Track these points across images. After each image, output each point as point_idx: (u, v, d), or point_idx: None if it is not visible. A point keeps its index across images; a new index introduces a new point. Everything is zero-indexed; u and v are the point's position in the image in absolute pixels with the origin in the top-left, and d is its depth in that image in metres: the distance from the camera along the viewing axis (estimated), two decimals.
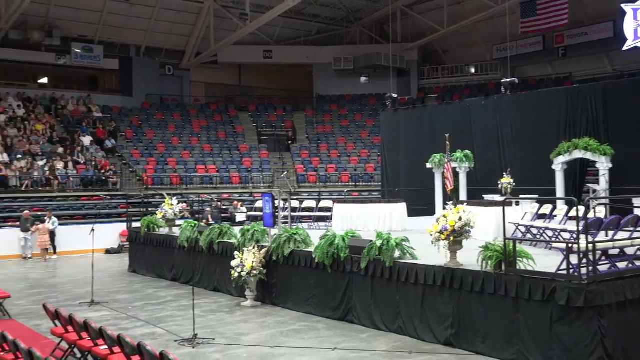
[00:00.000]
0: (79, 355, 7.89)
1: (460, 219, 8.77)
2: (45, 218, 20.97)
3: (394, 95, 25.44)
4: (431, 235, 9.03)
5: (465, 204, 10.98)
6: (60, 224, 21.31)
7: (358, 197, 26.11)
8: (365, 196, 27.00)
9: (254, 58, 36.72)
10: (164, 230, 16.37)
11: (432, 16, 33.92)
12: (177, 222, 16.17)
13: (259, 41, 36.10)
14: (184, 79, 36.72)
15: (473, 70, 36.48)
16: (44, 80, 35.25)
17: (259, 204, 18.20)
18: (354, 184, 30.13)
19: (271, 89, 39.36)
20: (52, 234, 20.90)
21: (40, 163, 25.51)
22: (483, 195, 16.63)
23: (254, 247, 12.08)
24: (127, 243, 19.51)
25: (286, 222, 13.63)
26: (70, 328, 7.98)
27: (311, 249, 11.38)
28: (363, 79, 37.62)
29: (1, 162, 24.82)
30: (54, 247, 21.06)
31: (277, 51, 36.75)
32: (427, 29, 34.71)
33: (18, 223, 20.96)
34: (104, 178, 26.44)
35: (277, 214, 13.07)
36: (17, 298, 13.03)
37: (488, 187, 17.09)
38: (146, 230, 16.68)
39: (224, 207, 24.21)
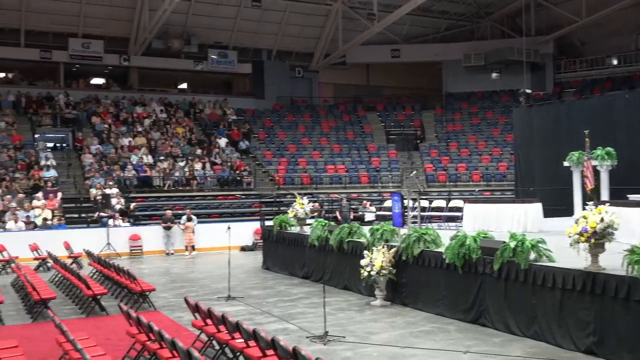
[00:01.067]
0: (217, 347, 8.26)
1: (602, 220, 8.25)
2: (186, 216, 21.95)
3: (528, 91, 24.50)
4: (570, 237, 8.57)
5: (608, 204, 10.33)
6: (198, 222, 22.39)
7: (490, 197, 25.35)
8: (497, 196, 26.18)
9: (382, 57, 36.74)
10: (295, 229, 16.75)
11: (569, 6, 32.25)
12: (308, 221, 16.50)
13: (386, 40, 36.06)
14: (313, 80, 37.45)
15: (615, 62, 34.26)
16: (184, 85, 37.35)
17: (387, 203, 18.17)
18: (485, 183, 29.31)
19: (399, 87, 39.18)
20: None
21: (181, 164, 27.02)
22: (627, 195, 15.56)
23: (383, 247, 12.07)
24: (261, 241, 20.16)
25: (415, 222, 13.50)
26: (209, 321, 8.37)
27: (441, 249, 11.18)
28: (494, 74, 36.51)
29: (146, 163, 26.57)
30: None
31: (405, 50, 36.52)
32: (563, 20, 33.07)
33: (161, 220, 22.26)
34: (238, 178, 27.54)
35: (406, 213, 12.97)
36: (161, 291, 13.85)
37: (633, 186, 15.97)
38: (278, 228, 17.15)
39: (353, 207, 24.42)
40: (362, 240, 13.20)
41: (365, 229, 13.66)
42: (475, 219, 15.50)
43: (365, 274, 11.85)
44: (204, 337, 8.66)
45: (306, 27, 34.81)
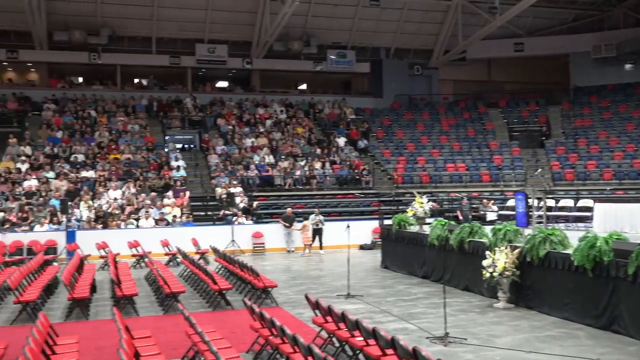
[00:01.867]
0: (337, 344, 8.33)
1: None
2: (314, 215, 22.17)
3: None
4: None
5: None
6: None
7: (623, 196, 23.84)
8: (632, 195, 24.55)
9: (504, 52, 35.59)
10: (414, 228, 16.60)
11: None
12: (428, 220, 16.30)
13: (508, 34, 34.88)
14: (432, 77, 36.91)
15: None
16: (303, 86, 38.04)
17: (510, 202, 17.57)
18: (618, 181, 27.62)
19: (522, 82, 37.78)
20: (319, 231, 22.07)
21: (301, 163, 27.56)
22: None
23: (506, 247, 11.68)
24: (379, 239, 20.15)
25: (541, 222, 12.96)
26: (329, 318, 8.46)
27: (569, 251, 10.65)
28: (628, 66, 34.30)
29: (268, 163, 27.34)
30: (321, 243, 22.04)
31: (529, 43, 35.14)
32: None
33: (281, 219, 22.77)
34: (357, 177, 27.67)
35: (530, 213, 12.48)
36: (283, 287, 14.19)
37: None
38: (397, 227, 17.05)
39: (474, 206, 23.82)
40: (484, 240, 12.85)
41: (487, 229, 13.28)
42: (607, 219, 14.67)
43: (488, 275, 11.52)
44: (324, 334, 8.76)
45: (425, 24, 34.37)
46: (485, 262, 11.63)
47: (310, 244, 21.88)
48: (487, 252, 11.84)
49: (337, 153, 29.28)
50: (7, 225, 20.74)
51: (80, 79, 34.59)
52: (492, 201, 23.89)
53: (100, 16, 30.37)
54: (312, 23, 32.90)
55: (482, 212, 22.80)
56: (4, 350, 7.55)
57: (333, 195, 26.46)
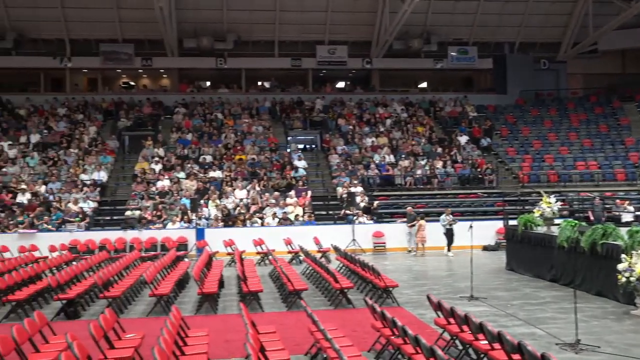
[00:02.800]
0: (460, 347, 8.15)
1: None
2: (445, 215, 21.50)
3: None
4: None
5: None
6: (432, 222, 22.21)
7: None
8: None
9: None
10: (542, 229, 15.91)
11: None
12: (556, 221, 15.57)
13: None
14: (559, 72, 35.23)
15: None
16: (424, 84, 37.59)
17: None
18: None
19: None
20: (451, 231, 21.23)
21: (422, 162, 27.23)
22: None
23: None
24: (504, 240, 19.50)
25: None
26: (451, 320, 8.29)
27: None
28: None
29: (388, 162, 27.25)
30: (449, 244, 21.12)
31: None
32: None
33: (404, 218, 22.62)
34: (480, 176, 26.93)
35: None
36: (404, 287, 14.08)
37: None
38: (523, 228, 16.41)
39: (607, 206, 22.47)
40: (619, 242, 12.08)
41: (622, 231, 12.48)
42: None
43: (624, 279, 10.83)
44: (446, 335, 8.61)
45: (552, 16, 32.89)
46: (620, 266, 10.94)
47: (423, 244, 21.39)
48: (623, 256, 11.13)
49: (459, 152, 28.66)
50: (143, 223, 22.09)
51: (208, 83, 36.22)
52: (628, 201, 22.42)
53: (227, 22, 31.61)
54: (433, 20, 32.43)
55: (616, 213, 21.46)
56: (141, 340, 8.03)
57: (455, 194, 25.90)
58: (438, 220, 21.41)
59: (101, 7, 30.09)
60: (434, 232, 21.21)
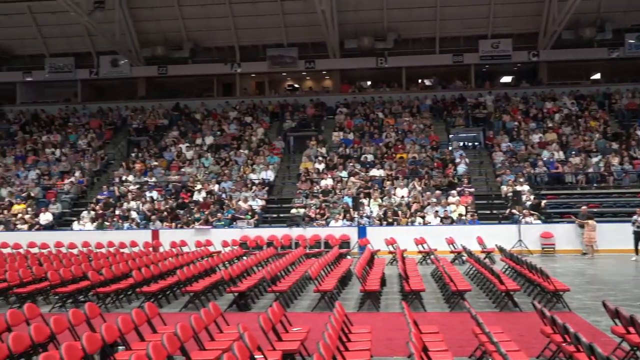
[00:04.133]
0: None
1: None
2: (636, 216, 19.79)
3: None
4: None
5: None
6: (616, 222, 20.72)
7: None
8: None
9: None
10: None
11: None
12: None
13: None
14: None
15: None
16: (596, 76, 35.14)
17: None
18: None
19: None
20: (638, 234, 19.57)
21: (595, 159, 25.49)
22: None
23: None
24: None
25: None
26: (631, 329, 7.66)
27: None
28: None
29: (557, 159, 25.81)
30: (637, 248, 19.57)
31: None
32: None
33: (576, 218, 21.30)
34: None
35: None
36: (576, 292, 13.26)
37: None
38: None
39: None
40: None
41: None
42: None
43: None
44: (625, 346, 7.97)
45: None
46: None
47: (593, 246, 19.99)
48: None
49: (638, 147, 26.44)
50: (307, 220, 22.81)
51: (369, 83, 36.57)
52: None
53: (387, 22, 31.72)
54: (607, 6, 30.21)
55: None
56: (306, 334, 8.28)
57: (633, 194, 23.90)
58: (613, 221, 19.92)
59: (268, 14, 31.51)
60: (611, 233, 19.79)
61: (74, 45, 33.66)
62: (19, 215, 24.27)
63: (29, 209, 24.73)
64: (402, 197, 23.94)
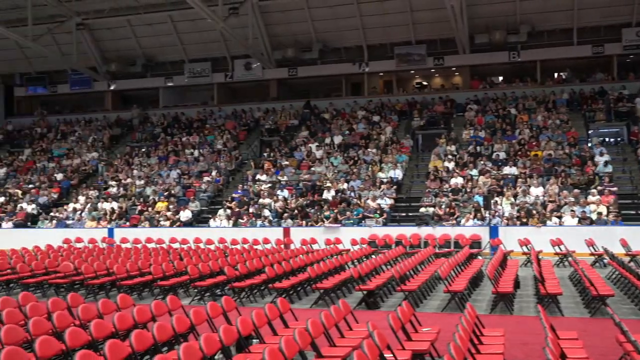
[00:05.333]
0: None
1: None
2: None
3: None
4: None
5: None
6: None
7: None
8: None
9: None
10: None
11: None
12: None
13: None
14: None
15: None
16: None
17: None
18: None
19: None
20: None
21: None
22: None
23: None
24: None
25: None
26: None
27: None
28: None
29: None
30: None
31: None
32: None
33: None
34: None
35: None
36: None
37: None
38: None
39: None
40: None
41: None
42: None
43: None
44: None
45: None
46: None
47: None
48: None
49: None
50: (436, 219, 22.48)
51: (500, 78, 35.40)
52: None
53: (520, 14, 30.56)
54: None
55: None
56: (436, 335, 8.16)
57: None
58: None
59: (395, 12, 31.39)
60: None
61: (210, 50, 35.36)
62: (162, 213, 25.85)
63: (171, 206, 26.27)
64: (537, 196, 22.95)
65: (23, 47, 35.17)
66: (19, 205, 28.49)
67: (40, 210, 28.07)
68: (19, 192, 29.80)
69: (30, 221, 27.55)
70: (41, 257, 17.03)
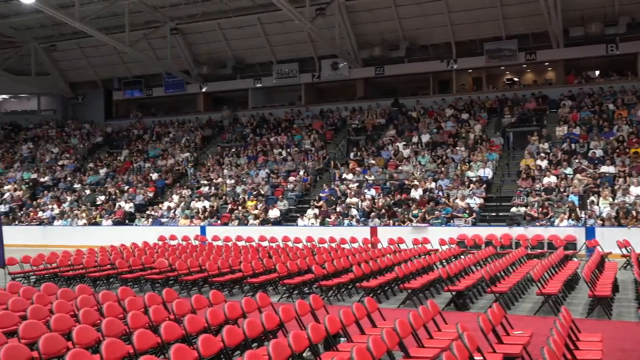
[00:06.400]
0: None
1: None
2: None
3: None
4: None
5: None
6: None
7: None
8: None
9: None
10: None
11: None
12: None
13: None
14: None
15: None
16: None
17: None
18: None
19: None
20: None
21: None
22: None
23: None
24: None
25: None
26: None
27: None
28: None
29: None
30: None
31: None
32: None
33: None
34: None
35: None
36: None
37: None
38: None
39: None
40: None
41: None
42: None
43: None
44: None
45: None
46: None
47: None
48: None
49: None
50: (528, 219, 21.81)
51: (597, 73, 33.90)
52: None
53: (618, 4, 29.15)
54: None
55: None
56: (529, 338, 7.92)
57: None
58: None
59: (485, 7, 30.67)
60: None
61: (297, 51, 35.77)
62: (251, 211, 26.41)
63: (260, 205, 26.79)
64: (638, 195, 21.82)
65: (121, 53, 36.80)
66: (117, 204, 29.92)
67: (137, 209, 29.34)
68: (118, 191, 31.27)
69: (127, 219, 28.84)
70: (138, 254, 17.79)
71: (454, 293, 12.28)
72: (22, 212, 31.58)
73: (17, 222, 30.44)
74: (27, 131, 41.50)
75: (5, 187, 34.17)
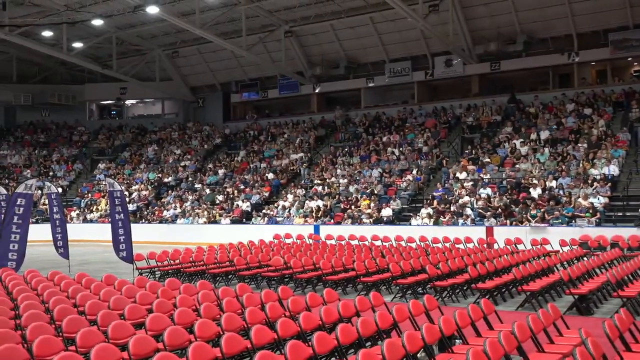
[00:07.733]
0: None
1: None
2: None
3: None
4: None
5: None
6: None
7: None
8: None
9: None
10: None
11: None
12: None
13: None
14: None
15: None
16: None
17: None
18: None
19: None
20: None
21: None
22: None
23: None
24: None
25: None
26: None
27: None
28: None
29: None
30: None
31: None
32: None
33: None
34: None
35: None
36: None
37: None
38: None
39: None
40: None
41: None
42: None
43: None
44: None
45: None
46: None
47: None
48: None
49: None
50: None
51: None
52: None
53: None
54: None
55: None
56: None
57: None
58: None
59: None
60: None
61: (410, 49, 35.45)
62: (364, 210, 26.48)
63: (372, 204, 26.80)
64: None
65: (238, 57, 38.06)
66: (235, 203, 30.98)
67: (254, 208, 30.24)
68: (235, 190, 32.38)
69: (244, 218, 29.80)
70: (255, 252, 18.34)
71: (576, 296, 11.71)
72: (148, 210, 33.45)
73: (143, 220, 32.28)
74: (152, 134, 43.85)
75: (133, 187, 36.30)
